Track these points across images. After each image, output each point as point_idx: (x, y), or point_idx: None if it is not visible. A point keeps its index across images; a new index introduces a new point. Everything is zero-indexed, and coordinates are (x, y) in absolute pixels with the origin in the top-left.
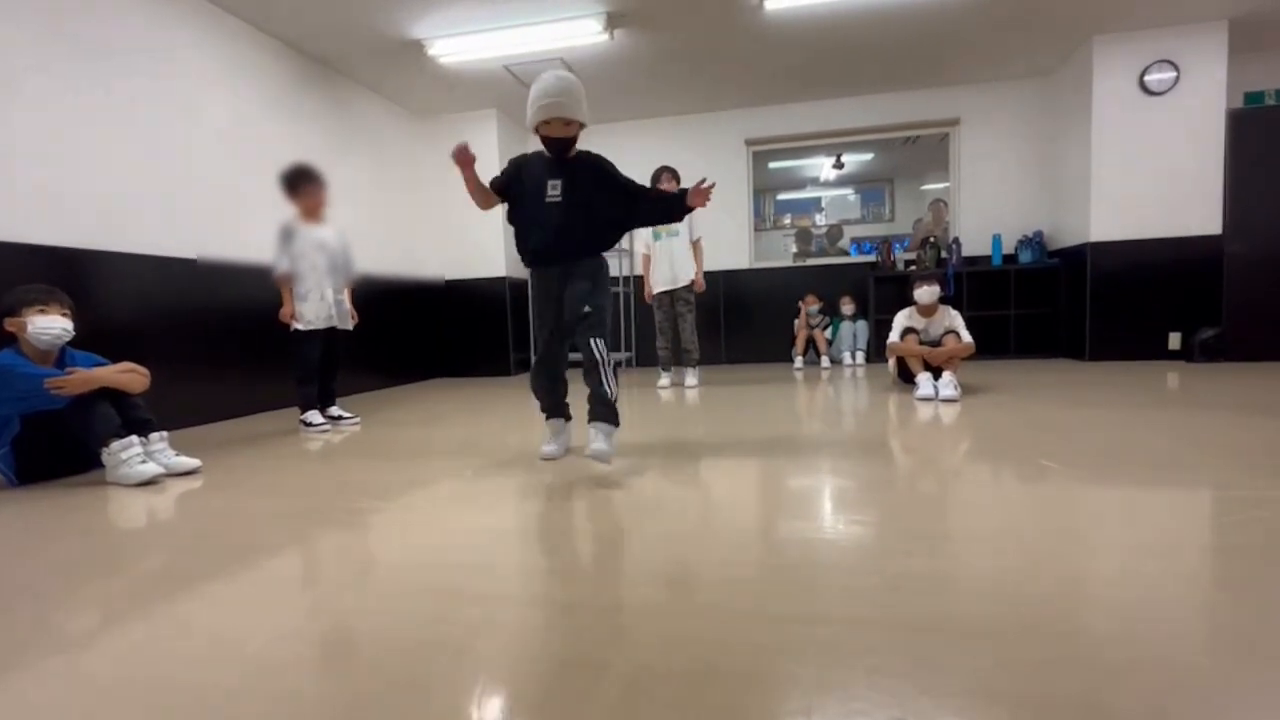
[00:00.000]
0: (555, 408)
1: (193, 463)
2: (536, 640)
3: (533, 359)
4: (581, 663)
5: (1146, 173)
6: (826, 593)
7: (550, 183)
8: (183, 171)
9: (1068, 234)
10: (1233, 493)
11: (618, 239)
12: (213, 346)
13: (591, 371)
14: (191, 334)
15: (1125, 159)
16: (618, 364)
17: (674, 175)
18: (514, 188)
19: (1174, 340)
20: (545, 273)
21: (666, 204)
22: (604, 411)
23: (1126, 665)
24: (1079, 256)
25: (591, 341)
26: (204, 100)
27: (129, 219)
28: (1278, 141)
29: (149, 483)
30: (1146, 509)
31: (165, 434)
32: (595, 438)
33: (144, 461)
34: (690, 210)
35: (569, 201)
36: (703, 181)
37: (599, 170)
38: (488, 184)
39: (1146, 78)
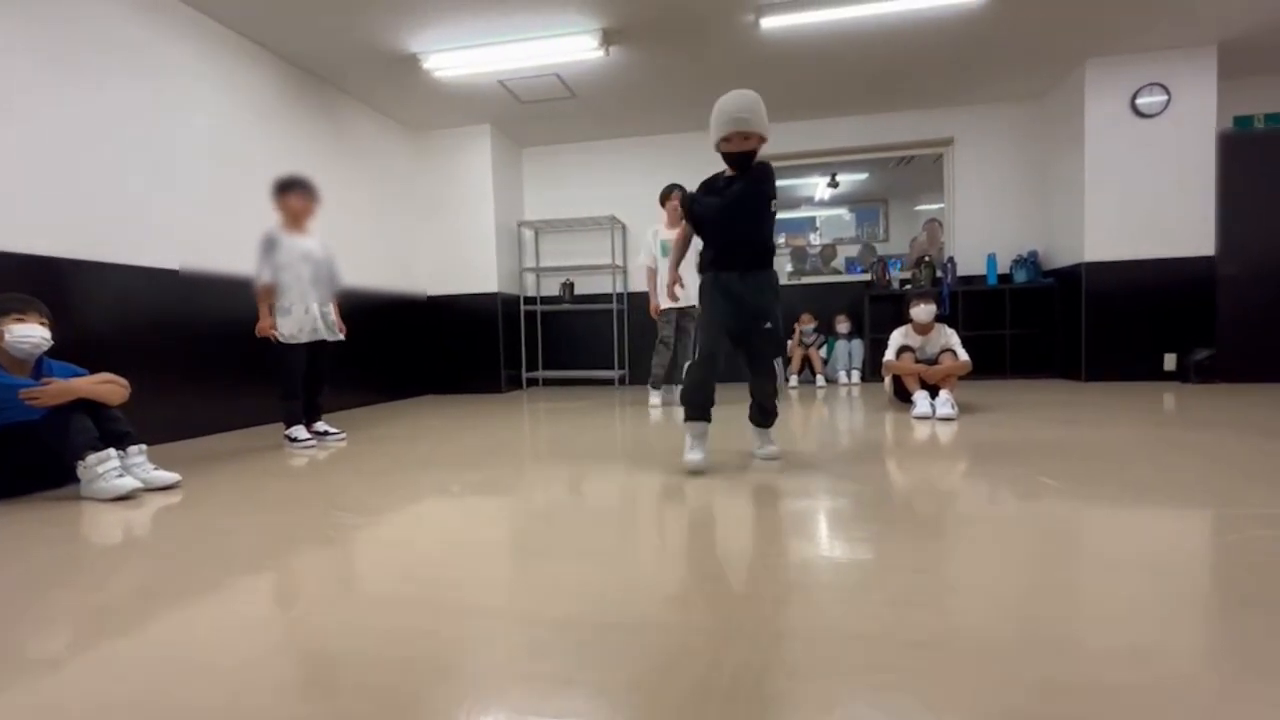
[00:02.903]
0: (704, 409)
1: (172, 477)
2: (525, 658)
3: (694, 357)
4: (573, 681)
5: (1139, 194)
6: (828, 609)
7: (730, 190)
8: (167, 181)
9: (1062, 254)
10: (1232, 511)
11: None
12: (197, 359)
13: (768, 383)
14: (174, 346)
15: (1118, 180)
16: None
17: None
18: (697, 208)
19: (1169, 361)
20: (724, 275)
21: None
22: (768, 419)
23: (1128, 684)
24: (1074, 276)
25: (777, 363)
26: (191, 110)
27: (111, 228)
28: (1267, 164)
29: (126, 497)
30: (1146, 527)
31: (144, 447)
32: (763, 440)
33: (121, 475)
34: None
35: (746, 209)
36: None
37: (765, 182)
38: (679, 234)
39: (1138, 100)
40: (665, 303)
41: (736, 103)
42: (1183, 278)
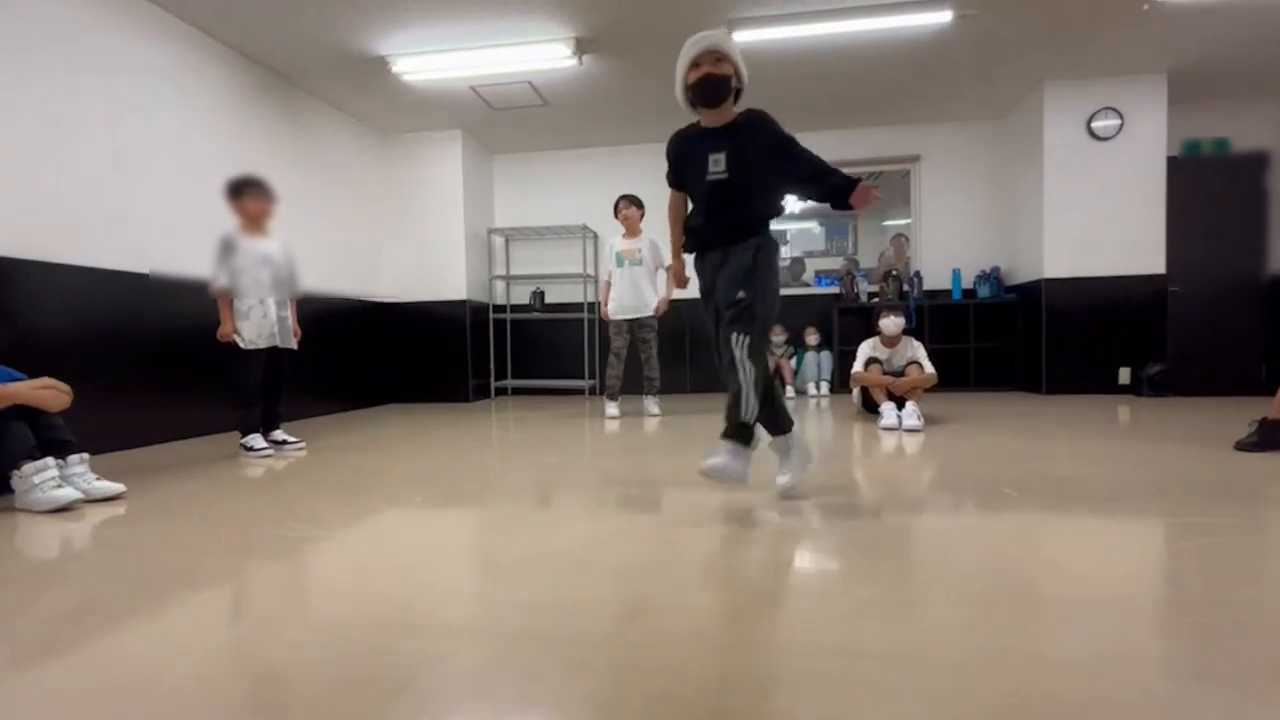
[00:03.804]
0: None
1: (115, 488)
2: (482, 674)
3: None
4: (531, 698)
5: (1095, 213)
6: (792, 621)
7: (712, 156)
8: (121, 181)
9: (1023, 270)
10: (1183, 520)
11: (783, 206)
12: (148, 364)
13: (729, 373)
14: (125, 350)
15: (1075, 199)
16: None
17: (633, 202)
18: (679, 169)
19: (1124, 375)
20: (706, 259)
21: (827, 188)
22: (732, 426)
23: (1088, 695)
24: (1034, 292)
25: (734, 337)
26: (148, 108)
27: (59, 227)
28: (1212, 188)
29: (64, 509)
30: (1104, 536)
31: (86, 456)
32: (716, 452)
33: (59, 486)
34: (850, 208)
35: (735, 177)
36: (874, 181)
37: (762, 130)
38: (670, 207)
39: (1094, 124)
40: (617, 316)
41: (703, 32)
42: (1136, 295)
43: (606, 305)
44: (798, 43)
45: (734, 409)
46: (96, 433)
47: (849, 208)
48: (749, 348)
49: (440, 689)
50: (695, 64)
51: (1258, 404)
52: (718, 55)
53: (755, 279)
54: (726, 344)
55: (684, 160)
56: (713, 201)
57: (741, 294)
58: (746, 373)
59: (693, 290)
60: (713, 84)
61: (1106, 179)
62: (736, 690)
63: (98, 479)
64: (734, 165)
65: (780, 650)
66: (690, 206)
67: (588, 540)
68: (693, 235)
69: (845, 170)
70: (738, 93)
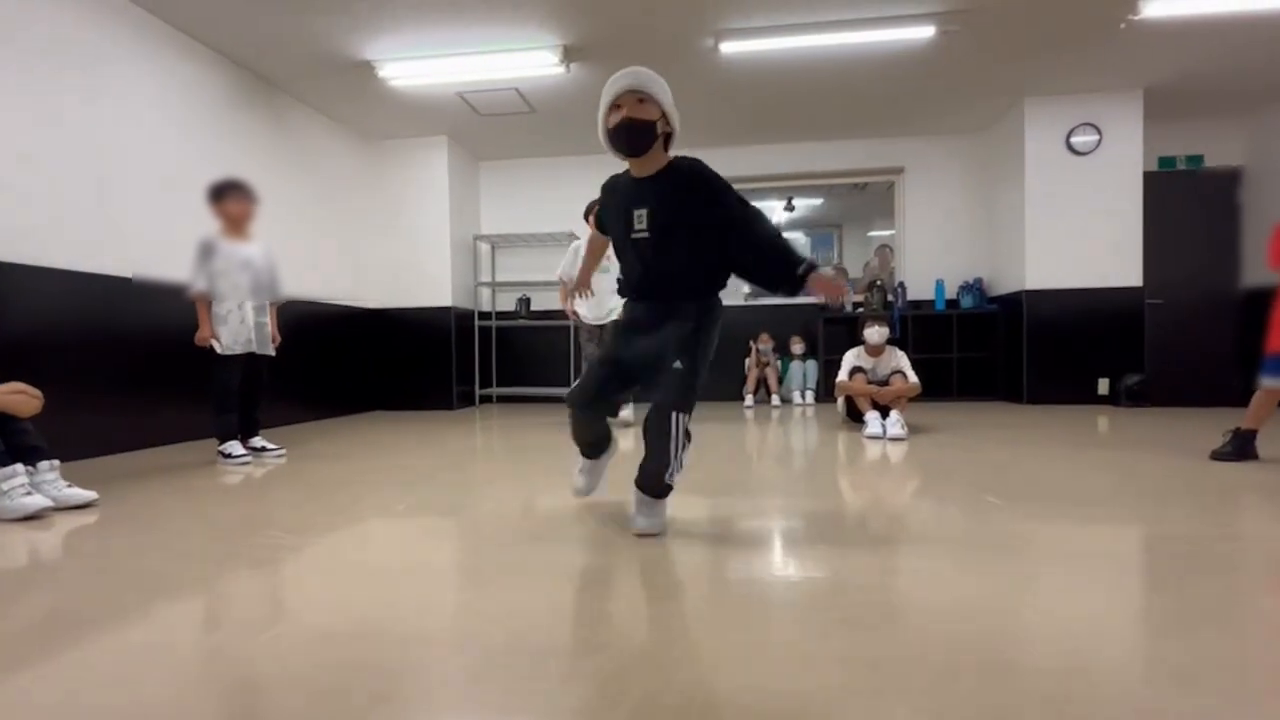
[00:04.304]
0: (596, 447)
1: (87, 495)
2: (466, 685)
3: (572, 388)
4: (515, 709)
5: (1075, 226)
6: (779, 629)
7: (635, 212)
8: (99, 184)
9: (1005, 281)
10: (1161, 529)
11: (726, 278)
12: (124, 369)
13: (659, 438)
14: (100, 354)
15: (1055, 213)
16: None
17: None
18: (603, 216)
19: (1103, 385)
20: (634, 311)
21: (771, 276)
22: (652, 483)
23: (1070, 700)
24: (1016, 303)
25: (674, 416)
26: (128, 110)
27: (32, 229)
28: (1187, 203)
29: (33, 517)
30: (1085, 544)
31: (57, 463)
32: (639, 509)
33: (29, 493)
34: (808, 293)
35: (659, 238)
36: (839, 281)
37: (694, 187)
38: (589, 242)
39: (1072, 139)
40: (580, 309)
41: (626, 69)
42: (1114, 307)
43: (568, 302)
44: (784, 55)
45: (658, 475)
46: (68, 439)
47: (800, 294)
48: (687, 424)
49: (420, 700)
50: (615, 105)
51: (1232, 414)
52: (640, 96)
53: (697, 351)
54: (665, 419)
55: (607, 209)
56: (637, 263)
57: (678, 364)
58: (679, 446)
59: None
60: (632, 129)
61: (1085, 193)
62: (723, 700)
63: (68, 486)
64: (657, 224)
65: (767, 659)
66: (611, 252)
67: (572, 550)
68: (625, 286)
69: (831, 181)
70: (667, 138)
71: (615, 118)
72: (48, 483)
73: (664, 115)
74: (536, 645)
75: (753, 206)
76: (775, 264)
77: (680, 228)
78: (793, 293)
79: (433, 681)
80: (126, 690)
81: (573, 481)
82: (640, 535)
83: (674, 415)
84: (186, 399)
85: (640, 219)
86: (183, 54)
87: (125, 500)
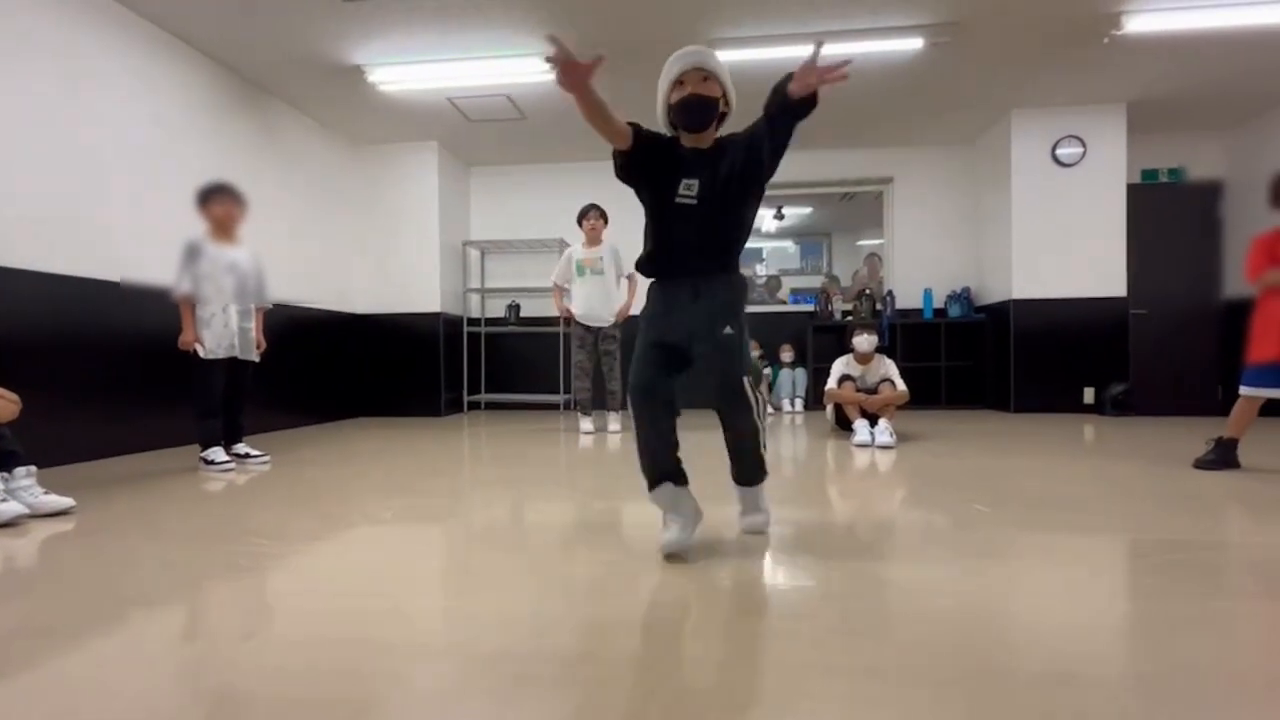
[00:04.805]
0: (668, 465)
1: (64, 502)
2: (452, 696)
3: (625, 393)
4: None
5: (1060, 237)
6: (768, 637)
7: (685, 180)
8: (81, 185)
9: (992, 291)
10: (1146, 536)
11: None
12: (104, 373)
13: (739, 411)
14: (78, 359)
15: (1041, 223)
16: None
17: (601, 215)
18: (639, 166)
19: (1088, 395)
20: (666, 290)
21: (779, 105)
22: (750, 463)
23: (1058, 709)
24: (1003, 313)
25: (743, 381)
26: (111, 111)
27: (11, 231)
28: (1169, 215)
29: (7, 524)
30: (1072, 552)
31: (33, 469)
32: (745, 506)
33: (4, 500)
34: (811, 104)
35: (707, 209)
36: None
37: (737, 144)
38: (615, 120)
39: (1058, 151)
40: (574, 308)
41: (689, 47)
42: (1099, 317)
43: (564, 304)
44: (775, 64)
45: (754, 450)
46: (46, 445)
47: (810, 105)
48: (754, 386)
49: (405, 710)
50: (679, 82)
51: (1215, 423)
52: (704, 73)
53: (740, 317)
54: (737, 388)
55: (655, 163)
56: (675, 227)
57: (729, 329)
58: (761, 409)
59: None
60: (698, 105)
61: (1070, 204)
62: (711, 709)
63: (45, 493)
64: (706, 194)
65: (754, 668)
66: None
67: (559, 558)
68: (652, 261)
69: (820, 190)
70: (722, 117)
71: (679, 93)
72: (24, 489)
73: (724, 95)
74: (523, 654)
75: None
76: (773, 109)
77: (727, 199)
78: (799, 107)
79: (417, 691)
80: (102, 702)
81: (660, 538)
82: (753, 533)
83: (744, 381)
84: (168, 404)
85: (690, 188)
86: (170, 56)
87: (103, 508)
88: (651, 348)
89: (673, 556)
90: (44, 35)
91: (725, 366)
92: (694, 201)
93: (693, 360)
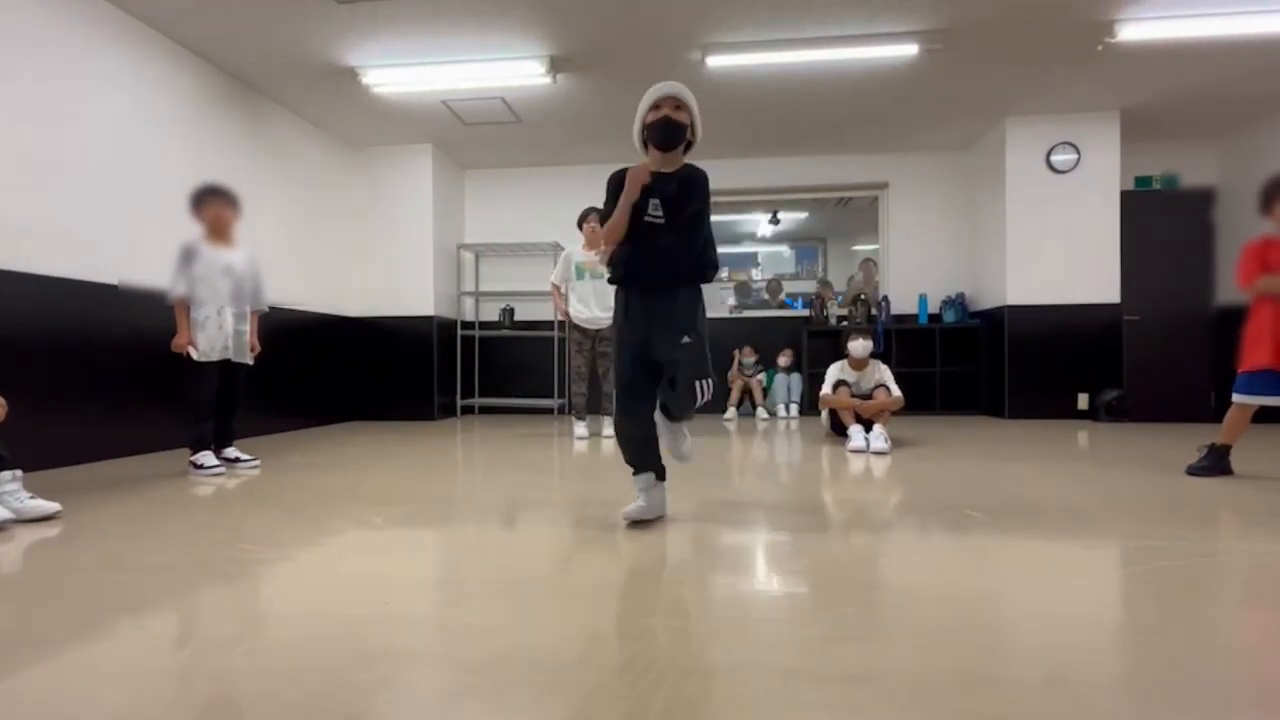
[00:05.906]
0: (645, 451)
1: (50, 507)
2: (443, 703)
3: (613, 400)
4: None
5: (1055, 243)
6: (759, 645)
7: (652, 200)
8: (70, 187)
9: (987, 296)
10: (1137, 543)
11: (713, 273)
12: (94, 376)
13: (684, 397)
14: (66, 361)
15: (1035, 229)
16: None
17: (601, 218)
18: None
19: (1082, 401)
20: (634, 299)
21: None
22: (678, 410)
23: (1049, 715)
24: (997, 318)
25: (696, 384)
26: (102, 111)
27: (3, 234)
28: (1162, 222)
29: None
30: (1064, 558)
31: (19, 474)
32: (672, 437)
33: None
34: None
35: (672, 224)
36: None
37: (694, 194)
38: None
39: (1052, 157)
40: (574, 310)
41: (668, 81)
42: (1093, 323)
43: (563, 305)
44: (769, 70)
45: (686, 406)
46: (32, 448)
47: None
48: (710, 387)
49: (395, 718)
50: (656, 106)
51: (1207, 430)
52: (678, 103)
53: (699, 326)
54: (689, 389)
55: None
56: (646, 242)
57: (687, 339)
58: (700, 397)
59: None
60: (670, 127)
61: (1065, 210)
62: (702, 717)
63: (31, 497)
64: (668, 213)
65: (747, 674)
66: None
67: (550, 564)
68: (622, 269)
69: (816, 195)
70: (688, 145)
71: (655, 115)
72: (9, 494)
73: (692, 124)
74: (514, 661)
75: (705, 237)
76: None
77: (685, 218)
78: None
79: (408, 699)
80: (87, 711)
81: (625, 509)
82: (682, 460)
83: (696, 384)
84: (157, 407)
85: (656, 206)
86: (163, 57)
87: (90, 512)
88: (623, 344)
89: (635, 524)
90: (38, 39)
91: (685, 372)
92: (661, 220)
93: (659, 362)
